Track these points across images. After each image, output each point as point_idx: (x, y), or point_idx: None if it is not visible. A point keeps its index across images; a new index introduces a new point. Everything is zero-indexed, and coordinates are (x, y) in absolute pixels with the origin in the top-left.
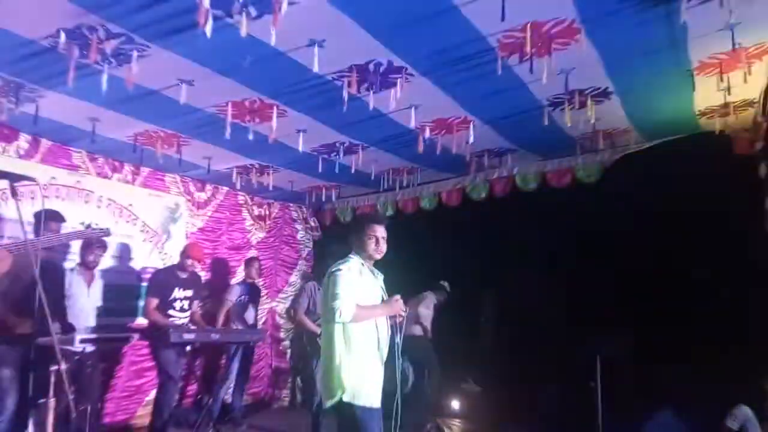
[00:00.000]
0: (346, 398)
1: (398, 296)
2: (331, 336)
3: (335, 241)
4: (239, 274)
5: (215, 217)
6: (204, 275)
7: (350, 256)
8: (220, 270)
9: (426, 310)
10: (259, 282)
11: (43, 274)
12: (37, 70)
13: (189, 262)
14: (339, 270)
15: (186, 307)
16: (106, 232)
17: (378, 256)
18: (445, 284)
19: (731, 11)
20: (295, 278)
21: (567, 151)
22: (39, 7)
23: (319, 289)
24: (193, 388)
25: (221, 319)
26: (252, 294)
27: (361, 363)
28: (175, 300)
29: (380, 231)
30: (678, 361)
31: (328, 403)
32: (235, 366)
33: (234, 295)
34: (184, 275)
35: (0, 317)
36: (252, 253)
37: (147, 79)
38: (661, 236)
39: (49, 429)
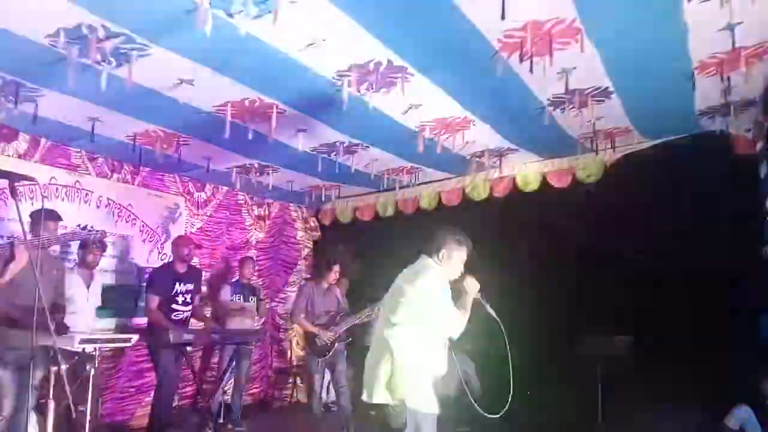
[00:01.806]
0: (411, 404)
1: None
2: (411, 338)
3: (337, 240)
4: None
5: (215, 217)
6: (203, 275)
7: (440, 265)
8: (220, 270)
9: None
10: (257, 282)
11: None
12: (37, 70)
13: (185, 251)
14: (443, 288)
15: (189, 300)
16: (102, 235)
17: None
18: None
19: (731, 11)
20: (294, 278)
21: (568, 151)
22: (39, 7)
23: (316, 290)
24: (192, 388)
25: (219, 317)
26: (249, 294)
27: (426, 367)
28: (177, 294)
29: None
30: (678, 361)
31: (377, 400)
32: (233, 366)
33: (226, 295)
34: (182, 269)
35: (7, 315)
36: (250, 253)
37: (146, 79)
38: (660, 236)
39: (49, 430)
